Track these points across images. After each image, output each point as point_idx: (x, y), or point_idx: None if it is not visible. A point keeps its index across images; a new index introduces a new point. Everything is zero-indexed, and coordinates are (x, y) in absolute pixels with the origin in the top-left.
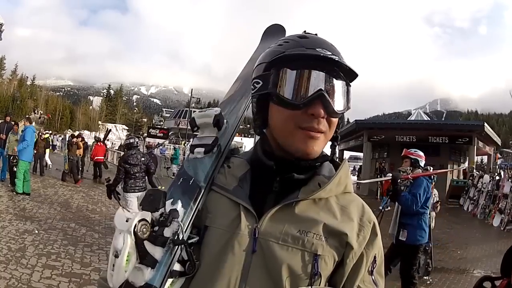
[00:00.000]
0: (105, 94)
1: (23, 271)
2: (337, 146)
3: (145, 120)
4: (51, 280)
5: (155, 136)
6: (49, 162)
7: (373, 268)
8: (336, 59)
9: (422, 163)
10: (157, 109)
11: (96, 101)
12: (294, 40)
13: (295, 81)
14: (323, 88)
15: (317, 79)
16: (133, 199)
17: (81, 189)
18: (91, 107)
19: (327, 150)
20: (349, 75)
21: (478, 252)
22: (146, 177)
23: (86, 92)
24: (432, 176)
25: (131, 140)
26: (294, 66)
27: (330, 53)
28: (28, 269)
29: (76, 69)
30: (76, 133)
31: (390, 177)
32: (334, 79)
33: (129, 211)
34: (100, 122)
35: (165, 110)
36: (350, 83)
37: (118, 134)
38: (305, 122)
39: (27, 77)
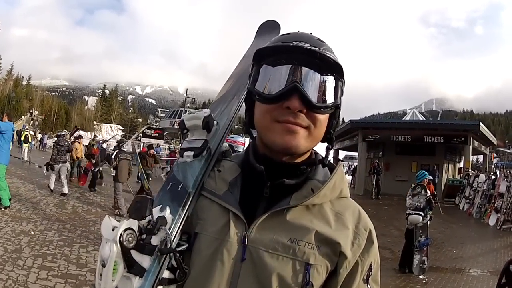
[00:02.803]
0: (100, 94)
1: (20, 272)
2: (331, 149)
3: (140, 120)
4: (47, 281)
5: (150, 136)
6: (26, 158)
7: (369, 276)
8: (315, 50)
9: (239, 149)
10: (152, 109)
11: (91, 101)
12: (277, 37)
13: (271, 75)
14: (298, 81)
15: (293, 71)
16: (57, 167)
17: (76, 190)
18: (86, 107)
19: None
20: (336, 69)
21: (474, 251)
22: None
23: (81, 92)
24: None
25: (60, 136)
26: (272, 61)
27: (309, 44)
28: (25, 270)
29: (71, 69)
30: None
31: None
32: (314, 72)
33: (60, 178)
34: (95, 122)
35: (160, 110)
36: (341, 77)
37: (113, 134)
38: (282, 115)
39: (23, 77)
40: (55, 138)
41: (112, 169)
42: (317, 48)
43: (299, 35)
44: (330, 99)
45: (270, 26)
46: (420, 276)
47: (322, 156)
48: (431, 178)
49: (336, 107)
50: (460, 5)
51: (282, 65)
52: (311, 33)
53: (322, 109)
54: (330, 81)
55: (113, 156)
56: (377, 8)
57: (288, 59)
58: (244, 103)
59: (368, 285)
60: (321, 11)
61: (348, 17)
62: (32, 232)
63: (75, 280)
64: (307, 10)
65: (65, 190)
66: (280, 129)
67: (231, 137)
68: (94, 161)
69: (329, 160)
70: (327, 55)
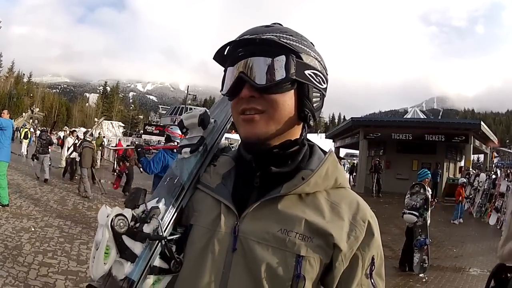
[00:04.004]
0: (101, 91)
1: (20, 269)
2: (309, 128)
3: (141, 117)
4: (48, 278)
5: (151, 133)
6: (24, 152)
7: (372, 270)
8: (253, 38)
9: (177, 139)
10: (154, 106)
11: (93, 98)
12: None
13: (227, 75)
14: (244, 71)
15: (240, 65)
16: (41, 157)
17: (77, 187)
18: (87, 104)
19: (326, 146)
20: (283, 48)
21: (474, 250)
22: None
23: (82, 89)
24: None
25: (43, 131)
26: (229, 63)
27: (248, 35)
28: (25, 267)
29: (72, 66)
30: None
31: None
32: (258, 58)
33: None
34: (96, 119)
35: (162, 107)
36: (292, 53)
37: (114, 131)
38: (239, 106)
39: (24, 74)
40: (38, 133)
41: (77, 155)
42: (255, 35)
43: (246, 31)
44: (279, 76)
45: None
46: (420, 275)
47: (312, 142)
48: (464, 181)
49: (293, 82)
50: (461, 4)
51: (232, 63)
52: (274, 23)
53: (271, 88)
54: (277, 60)
55: (78, 145)
56: (379, 6)
57: (238, 54)
58: None
59: (372, 280)
60: (323, 8)
61: (349, 15)
62: (33, 229)
63: (76, 276)
64: (309, 7)
65: (47, 176)
66: (241, 120)
67: (170, 128)
68: (128, 164)
69: (317, 147)
70: (266, 37)
